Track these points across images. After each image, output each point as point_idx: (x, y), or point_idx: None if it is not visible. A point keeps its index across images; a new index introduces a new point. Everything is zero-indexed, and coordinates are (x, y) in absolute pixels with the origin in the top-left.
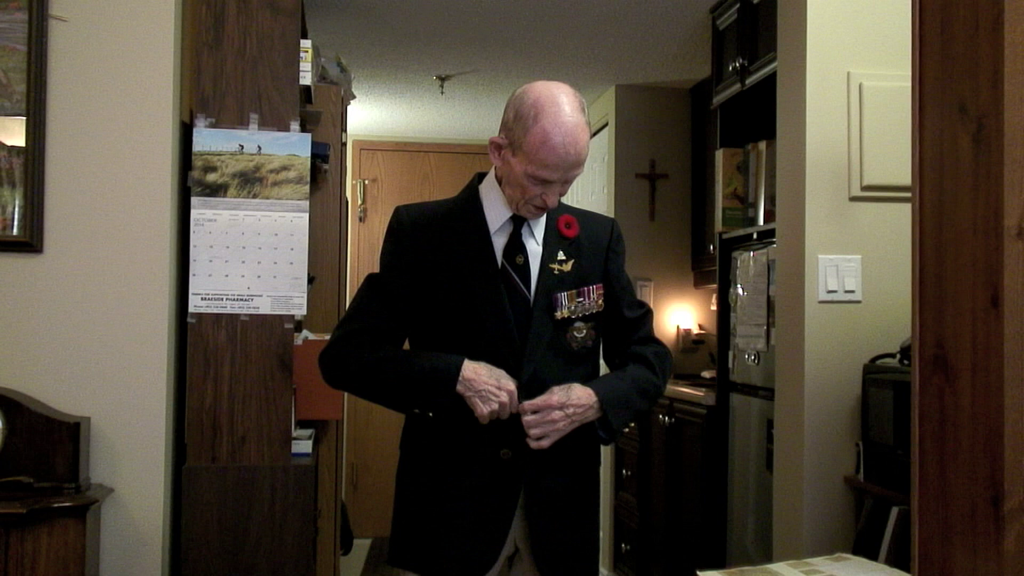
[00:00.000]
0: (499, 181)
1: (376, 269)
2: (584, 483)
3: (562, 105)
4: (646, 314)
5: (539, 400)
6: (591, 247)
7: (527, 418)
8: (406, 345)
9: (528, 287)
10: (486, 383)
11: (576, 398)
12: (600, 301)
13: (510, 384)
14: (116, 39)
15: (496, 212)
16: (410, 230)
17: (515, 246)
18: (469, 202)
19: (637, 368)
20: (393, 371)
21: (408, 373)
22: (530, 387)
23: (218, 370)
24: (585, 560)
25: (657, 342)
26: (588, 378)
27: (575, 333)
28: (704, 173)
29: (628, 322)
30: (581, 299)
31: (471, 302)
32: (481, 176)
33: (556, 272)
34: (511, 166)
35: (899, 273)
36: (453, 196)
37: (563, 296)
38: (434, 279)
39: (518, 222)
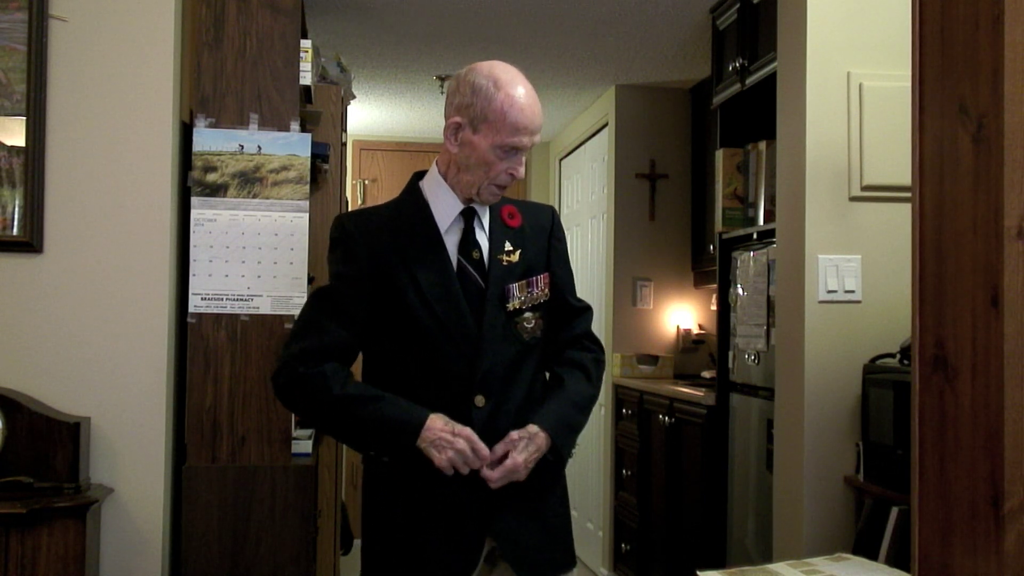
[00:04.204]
0: (444, 176)
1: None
2: (547, 485)
3: (515, 74)
4: (588, 309)
5: (507, 464)
6: (534, 236)
7: (490, 474)
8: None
9: (484, 280)
10: (441, 431)
11: (536, 448)
12: (546, 290)
13: (465, 430)
14: (116, 39)
15: (445, 208)
16: (359, 237)
17: (469, 241)
18: (414, 202)
19: (576, 382)
20: (356, 414)
21: (371, 419)
22: (487, 380)
23: (218, 370)
24: (562, 550)
25: (595, 342)
26: (538, 368)
27: (524, 324)
28: (704, 173)
29: (572, 310)
30: (530, 289)
31: (428, 303)
32: (419, 175)
33: (505, 263)
34: (473, 145)
35: (899, 273)
36: (391, 199)
37: (514, 287)
38: (390, 284)
39: (468, 217)
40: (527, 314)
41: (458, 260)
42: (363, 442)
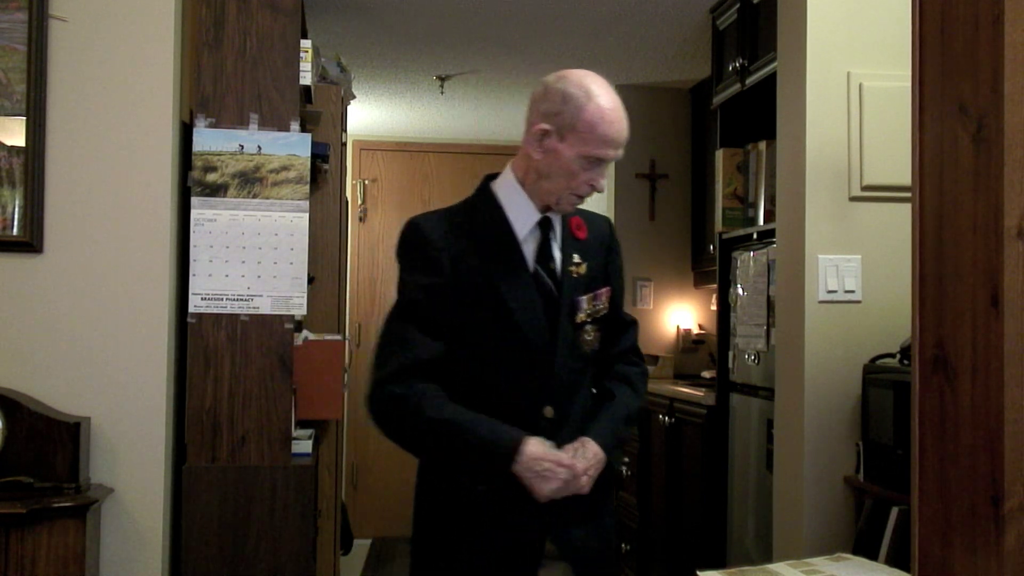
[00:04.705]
0: (522, 183)
1: (376, 270)
2: (602, 495)
3: (606, 86)
4: (635, 323)
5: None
6: (596, 248)
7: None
8: None
9: (558, 291)
10: (544, 459)
11: (592, 455)
12: (607, 303)
13: (565, 458)
14: (116, 39)
15: (522, 216)
16: (439, 244)
17: (546, 251)
18: (489, 207)
19: (626, 396)
20: (450, 439)
21: (463, 443)
22: (556, 392)
23: (218, 370)
24: (613, 559)
25: (640, 357)
26: (590, 380)
27: (586, 336)
28: (704, 173)
29: (623, 324)
30: (595, 302)
31: (509, 312)
32: (490, 177)
33: (574, 275)
34: (558, 153)
35: (899, 273)
36: (463, 201)
37: (583, 299)
38: (470, 292)
39: (543, 226)
40: (588, 327)
41: (535, 269)
42: (457, 467)
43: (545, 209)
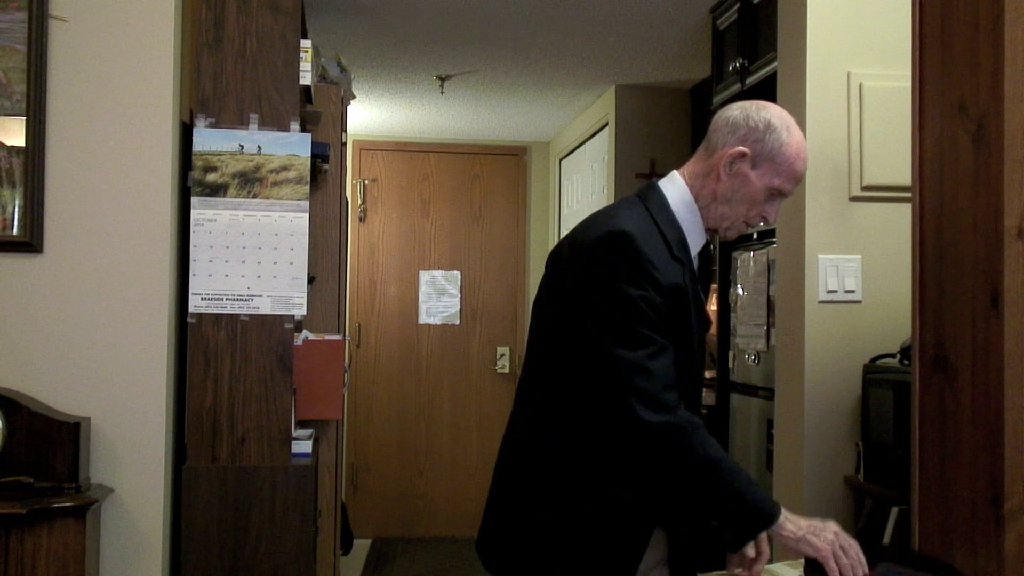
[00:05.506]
0: (696, 199)
1: (376, 270)
2: None
3: (796, 124)
4: None
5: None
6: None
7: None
8: None
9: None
10: (808, 520)
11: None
12: None
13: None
14: (116, 39)
15: (694, 236)
16: (659, 267)
17: (704, 275)
18: (673, 225)
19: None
20: (719, 484)
21: (736, 491)
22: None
23: (218, 370)
24: None
25: None
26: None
27: None
28: None
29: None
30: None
31: (691, 338)
32: (656, 191)
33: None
34: (746, 179)
35: (899, 273)
36: (637, 204)
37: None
38: (678, 312)
39: (703, 250)
40: None
41: (697, 290)
42: (708, 512)
43: (709, 232)
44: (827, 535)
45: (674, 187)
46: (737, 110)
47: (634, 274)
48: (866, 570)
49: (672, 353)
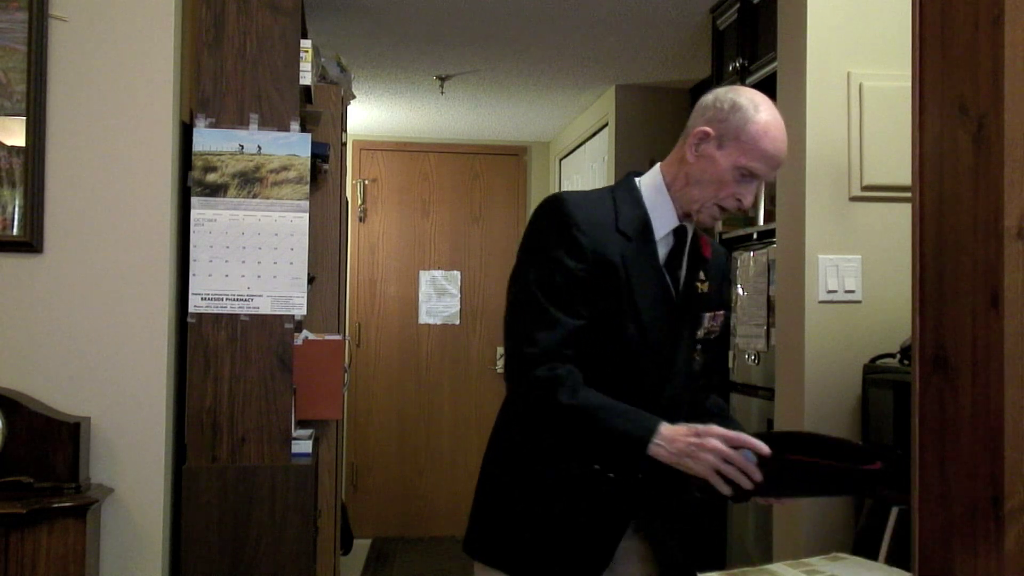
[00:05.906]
0: (669, 186)
1: (376, 270)
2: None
3: (773, 106)
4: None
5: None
6: (716, 273)
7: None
8: None
9: (685, 303)
10: (685, 437)
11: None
12: (720, 328)
13: (716, 429)
14: (116, 39)
15: (662, 219)
16: (584, 228)
17: (677, 259)
18: (633, 203)
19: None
20: (584, 427)
21: (599, 431)
22: (670, 404)
23: (218, 370)
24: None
25: (719, 391)
26: (690, 407)
27: (697, 356)
28: None
29: (720, 356)
30: (714, 322)
31: (638, 312)
32: (635, 174)
33: (699, 291)
34: (713, 160)
35: (899, 273)
36: (604, 188)
37: (706, 316)
38: (605, 285)
39: (678, 235)
40: (699, 346)
41: (663, 271)
42: (589, 456)
43: (684, 217)
44: (705, 456)
45: (649, 174)
46: (710, 94)
47: (555, 234)
48: (756, 476)
49: (574, 322)
